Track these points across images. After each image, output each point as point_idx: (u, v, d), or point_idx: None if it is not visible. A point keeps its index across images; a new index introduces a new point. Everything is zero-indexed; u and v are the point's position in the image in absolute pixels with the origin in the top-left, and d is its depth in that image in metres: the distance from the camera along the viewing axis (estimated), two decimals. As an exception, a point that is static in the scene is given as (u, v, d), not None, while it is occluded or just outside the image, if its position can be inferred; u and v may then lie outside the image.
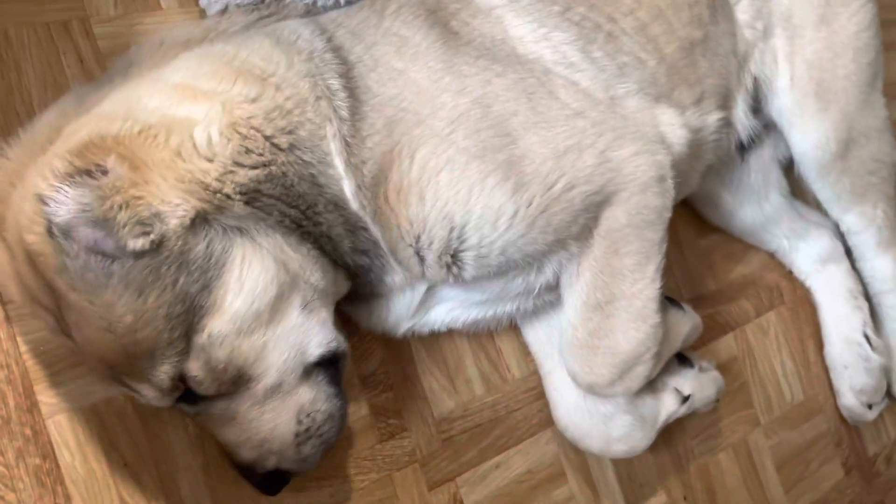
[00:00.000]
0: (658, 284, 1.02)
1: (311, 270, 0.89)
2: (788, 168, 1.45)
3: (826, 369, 1.54)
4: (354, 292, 1.00)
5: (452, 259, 0.94)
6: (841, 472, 1.54)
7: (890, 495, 1.60)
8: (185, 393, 0.84)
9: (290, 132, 0.87)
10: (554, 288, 1.08)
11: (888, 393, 1.51)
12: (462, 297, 1.08)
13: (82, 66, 0.99)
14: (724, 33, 1.22)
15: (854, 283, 1.52)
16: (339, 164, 0.89)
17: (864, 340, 1.49)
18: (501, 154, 0.92)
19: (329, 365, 0.93)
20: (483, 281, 1.02)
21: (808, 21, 1.28)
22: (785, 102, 1.31)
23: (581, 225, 0.97)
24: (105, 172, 0.72)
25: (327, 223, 0.90)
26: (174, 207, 0.75)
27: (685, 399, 1.20)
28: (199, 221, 0.78)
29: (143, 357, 0.78)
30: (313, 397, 0.90)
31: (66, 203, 0.70)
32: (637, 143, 0.98)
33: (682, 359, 1.24)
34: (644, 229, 0.99)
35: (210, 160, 0.80)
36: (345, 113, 0.89)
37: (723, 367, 1.42)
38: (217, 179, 0.80)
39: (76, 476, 0.90)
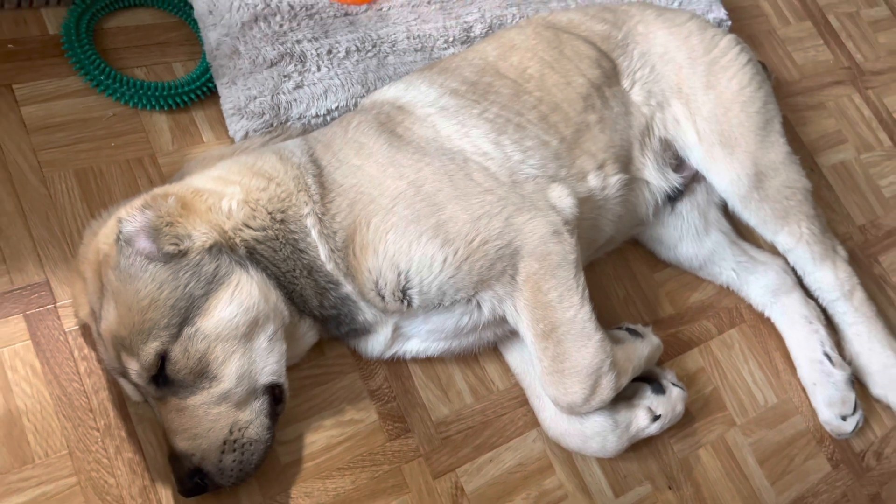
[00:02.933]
0: (588, 308, 1.29)
1: (283, 308, 1.22)
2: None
3: (797, 375, 1.74)
4: (351, 330, 1.34)
5: (403, 295, 1.25)
6: (828, 466, 1.67)
7: (886, 488, 1.70)
8: (157, 374, 1.10)
9: (282, 211, 1.25)
10: (499, 324, 1.38)
11: (858, 405, 1.65)
12: (425, 333, 1.37)
13: (152, 186, 1.41)
14: (619, 113, 1.55)
15: (808, 310, 1.71)
16: (314, 234, 1.25)
17: (824, 358, 1.67)
18: (432, 219, 1.24)
19: (272, 400, 1.20)
20: (434, 317, 1.33)
21: (696, 88, 1.60)
22: (698, 154, 1.62)
23: (499, 270, 1.27)
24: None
25: (301, 285, 1.25)
26: (201, 234, 1.14)
27: (656, 417, 1.42)
28: (215, 249, 1.15)
29: (143, 332, 1.08)
30: (250, 419, 1.16)
31: (135, 221, 1.10)
32: (532, 211, 1.29)
33: (656, 387, 1.46)
34: (556, 269, 1.28)
35: (228, 218, 1.19)
36: (317, 198, 1.26)
37: (692, 377, 1.65)
38: (231, 230, 1.19)
39: (158, 466, 1.22)
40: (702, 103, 1.61)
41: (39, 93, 1.43)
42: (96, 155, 1.41)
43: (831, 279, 1.70)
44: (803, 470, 1.65)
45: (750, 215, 1.65)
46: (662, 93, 1.62)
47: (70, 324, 1.27)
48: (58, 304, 1.28)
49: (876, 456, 1.72)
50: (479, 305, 1.32)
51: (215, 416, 1.13)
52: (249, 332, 1.16)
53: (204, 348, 1.11)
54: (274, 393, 1.21)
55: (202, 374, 1.12)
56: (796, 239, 1.66)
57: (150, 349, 1.09)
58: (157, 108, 1.48)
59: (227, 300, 1.14)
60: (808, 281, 1.72)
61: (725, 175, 1.62)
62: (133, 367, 1.10)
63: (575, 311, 1.28)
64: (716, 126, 1.60)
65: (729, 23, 2.05)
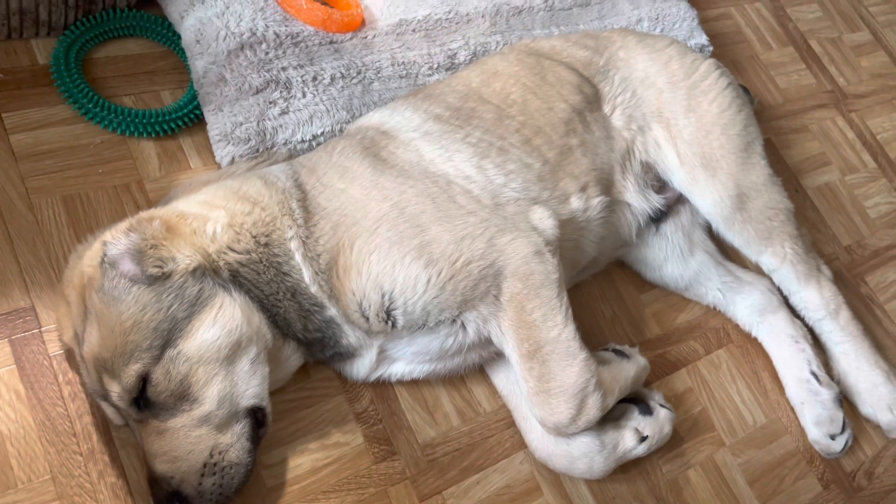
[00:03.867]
0: (571, 327, 1.29)
1: (266, 331, 1.22)
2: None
3: (785, 395, 1.74)
4: (335, 354, 1.34)
5: (387, 316, 1.26)
6: (818, 486, 1.67)
7: (878, 508, 1.71)
8: (138, 397, 1.10)
9: (266, 235, 1.26)
10: (484, 345, 1.38)
11: (847, 424, 1.65)
12: (410, 356, 1.38)
13: (139, 212, 1.42)
14: (601, 138, 1.57)
15: (794, 329, 1.72)
16: (298, 257, 1.26)
17: (811, 377, 1.67)
18: (415, 240, 1.25)
19: (254, 423, 1.19)
20: (419, 339, 1.33)
21: (677, 112, 1.63)
22: (680, 176, 1.64)
23: (482, 291, 1.28)
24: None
25: (285, 308, 1.25)
26: (185, 257, 1.15)
27: (643, 438, 1.42)
28: (199, 272, 1.16)
29: (125, 355, 1.08)
30: (231, 442, 1.15)
31: (120, 244, 1.11)
32: (514, 232, 1.30)
33: (643, 408, 1.46)
34: (539, 289, 1.29)
35: (212, 242, 1.20)
36: (301, 222, 1.27)
37: (679, 398, 1.65)
38: (215, 254, 1.20)
39: (141, 490, 1.22)
40: (683, 127, 1.63)
41: (28, 121, 1.45)
42: (84, 181, 1.43)
43: (816, 298, 1.70)
44: (794, 490, 1.64)
45: (734, 236, 1.67)
46: (643, 117, 1.64)
47: (55, 348, 1.28)
48: (43, 328, 1.29)
49: (867, 476, 1.71)
50: (463, 326, 1.33)
51: (195, 439, 1.13)
52: (232, 355, 1.16)
53: (185, 370, 1.12)
54: (256, 416, 1.21)
55: (183, 396, 1.12)
56: (780, 259, 1.67)
57: (132, 371, 1.09)
58: (144, 135, 1.50)
59: (209, 323, 1.14)
60: (793, 301, 1.73)
61: (708, 197, 1.63)
62: (114, 389, 1.11)
63: (559, 331, 1.29)
64: (697, 149, 1.62)
65: (711, 48, 2.09)
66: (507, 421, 1.48)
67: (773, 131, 2.19)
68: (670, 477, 1.54)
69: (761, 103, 2.24)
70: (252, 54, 1.52)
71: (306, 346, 1.31)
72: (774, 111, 2.25)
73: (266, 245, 1.25)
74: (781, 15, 2.51)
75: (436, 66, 1.71)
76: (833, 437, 1.65)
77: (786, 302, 1.76)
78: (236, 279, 1.21)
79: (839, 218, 2.11)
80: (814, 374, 1.67)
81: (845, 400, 1.72)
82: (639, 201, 1.63)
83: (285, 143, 1.50)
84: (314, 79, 1.55)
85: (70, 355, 1.27)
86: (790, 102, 2.30)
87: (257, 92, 1.50)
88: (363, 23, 1.71)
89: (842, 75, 2.46)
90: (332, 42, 1.64)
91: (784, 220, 1.67)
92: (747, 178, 1.63)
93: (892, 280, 2.05)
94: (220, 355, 1.15)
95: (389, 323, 1.27)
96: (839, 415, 1.64)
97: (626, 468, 1.49)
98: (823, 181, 2.17)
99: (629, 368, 1.44)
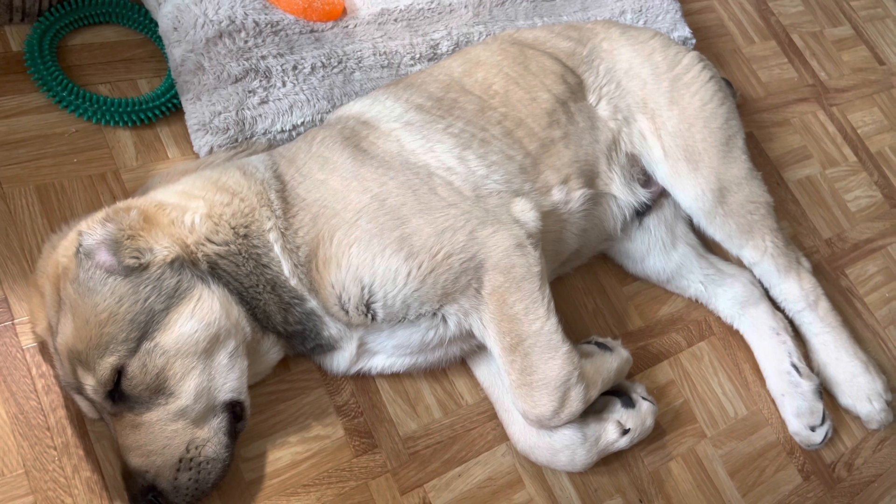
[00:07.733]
0: (553, 320, 1.28)
1: (245, 324, 1.21)
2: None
3: (766, 387, 1.74)
4: (316, 346, 1.33)
5: (366, 309, 1.25)
6: (799, 477, 1.68)
7: (857, 499, 1.71)
8: (113, 390, 1.08)
9: (245, 226, 1.24)
10: (466, 338, 1.37)
11: (827, 416, 1.66)
12: (391, 349, 1.36)
13: (115, 202, 1.39)
14: (585, 129, 1.56)
15: (775, 321, 1.73)
16: (277, 249, 1.24)
17: (792, 369, 1.68)
18: (396, 232, 1.24)
19: (232, 417, 1.18)
20: (399, 332, 1.32)
21: (660, 104, 1.62)
22: (664, 169, 1.63)
23: (463, 284, 1.27)
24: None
25: (264, 301, 1.24)
26: (162, 248, 1.13)
27: (626, 431, 1.42)
28: (177, 264, 1.14)
29: (100, 347, 1.06)
30: (208, 437, 1.13)
31: (96, 235, 1.09)
32: (495, 225, 1.29)
33: (626, 401, 1.46)
34: (520, 282, 1.28)
35: (191, 233, 1.18)
36: (280, 213, 1.26)
37: (662, 390, 1.65)
38: (193, 245, 1.18)
39: (116, 484, 1.20)
40: (666, 119, 1.62)
41: (1, 109, 1.42)
42: (58, 171, 1.40)
43: (796, 290, 1.71)
44: (774, 481, 1.65)
45: (715, 230, 1.67)
46: (628, 108, 1.63)
47: (28, 341, 1.25)
48: (16, 320, 1.26)
49: (847, 467, 1.73)
50: (444, 319, 1.31)
51: (171, 433, 1.11)
52: (210, 348, 1.15)
53: (162, 364, 1.10)
54: (234, 410, 1.19)
55: (159, 390, 1.10)
56: (761, 253, 1.67)
57: (107, 364, 1.07)
58: (121, 124, 1.47)
59: (187, 315, 1.12)
60: (774, 293, 1.74)
61: (690, 191, 1.63)
62: (89, 382, 1.08)
63: (541, 324, 1.28)
64: (680, 142, 1.62)
65: (693, 41, 2.09)
66: (489, 413, 1.47)
67: (754, 125, 2.20)
68: (652, 469, 1.54)
69: (743, 97, 2.24)
70: (231, 42, 1.50)
71: (286, 339, 1.29)
72: (756, 104, 2.25)
73: (245, 236, 1.23)
74: (764, 9, 2.52)
75: (418, 56, 1.69)
76: (813, 429, 1.65)
77: (767, 294, 1.77)
78: (215, 271, 1.19)
79: (820, 211, 2.12)
80: (794, 365, 1.68)
81: (825, 392, 1.73)
82: (625, 194, 1.62)
83: (265, 133, 1.48)
84: (294, 68, 1.53)
85: (43, 347, 1.25)
86: (772, 96, 2.30)
87: (236, 81, 1.48)
88: (344, 12, 1.69)
89: (823, 69, 2.47)
90: (312, 31, 1.61)
91: (764, 213, 1.67)
92: (728, 172, 1.63)
93: (871, 273, 2.06)
94: (197, 348, 1.13)
95: (369, 316, 1.25)
96: (819, 406, 1.65)
97: (609, 460, 1.49)
98: (804, 174, 2.18)
99: (612, 361, 1.43)
